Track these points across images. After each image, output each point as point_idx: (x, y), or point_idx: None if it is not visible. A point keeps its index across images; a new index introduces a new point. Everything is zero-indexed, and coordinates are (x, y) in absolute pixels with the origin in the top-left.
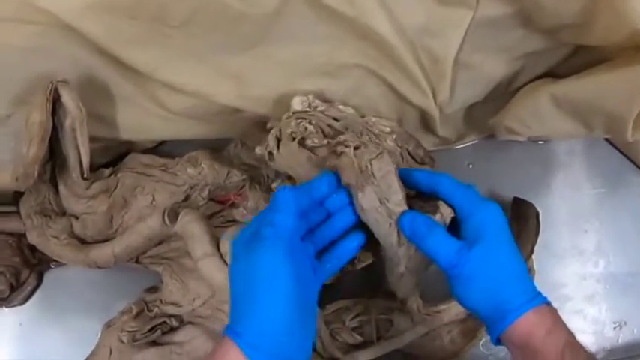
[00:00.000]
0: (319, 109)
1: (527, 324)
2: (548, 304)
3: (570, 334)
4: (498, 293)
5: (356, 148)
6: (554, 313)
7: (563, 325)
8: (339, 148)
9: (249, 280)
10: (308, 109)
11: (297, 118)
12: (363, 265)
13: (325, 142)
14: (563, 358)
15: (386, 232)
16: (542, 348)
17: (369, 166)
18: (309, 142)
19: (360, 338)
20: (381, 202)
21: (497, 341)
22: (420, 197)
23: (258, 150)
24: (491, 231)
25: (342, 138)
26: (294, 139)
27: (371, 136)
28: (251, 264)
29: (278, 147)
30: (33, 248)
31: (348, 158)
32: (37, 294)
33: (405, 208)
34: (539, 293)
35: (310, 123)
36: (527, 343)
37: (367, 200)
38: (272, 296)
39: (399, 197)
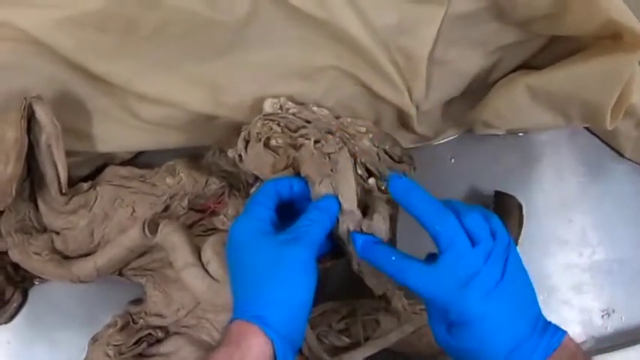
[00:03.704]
0: (291, 111)
1: None
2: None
3: None
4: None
5: (316, 142)
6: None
7: None
8: (300, 140)
9: (283, 270)
10: (279, 111)
11: (265, 120)
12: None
13: (287, 138)
14: None
15: (335, 227)
16: None
17: (327, 159)
18: (272, 143)
19: (347, 340)
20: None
21: None
22: None
23: (230, 152)
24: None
25: (303, 131)
26: (260, 139)
27: (344, 137)
28: (287, 255)
29: (246, 149)
30: (16, 266)
31: (307, 150)
32: (22, 311)
33: (355, 207)
34: (539, 340)
35: (279, 125)
36: None
37: (323, 193)
38: (304, 287)
39: (353, 195)
